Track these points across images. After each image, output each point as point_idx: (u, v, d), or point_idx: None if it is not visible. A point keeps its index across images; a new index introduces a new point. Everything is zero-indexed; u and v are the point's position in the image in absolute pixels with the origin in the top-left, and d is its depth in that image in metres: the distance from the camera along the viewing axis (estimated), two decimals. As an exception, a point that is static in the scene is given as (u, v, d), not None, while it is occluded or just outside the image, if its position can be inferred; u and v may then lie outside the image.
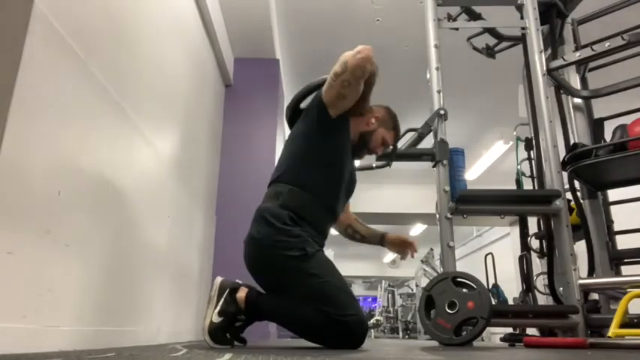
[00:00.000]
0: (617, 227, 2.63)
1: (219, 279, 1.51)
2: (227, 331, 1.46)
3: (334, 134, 1.71)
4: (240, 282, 1.60)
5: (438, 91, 2.34)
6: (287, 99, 5.04)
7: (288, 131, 1.93)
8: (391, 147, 2.00)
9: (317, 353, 1.22)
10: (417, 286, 10.09)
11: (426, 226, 9.16)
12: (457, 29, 2.54)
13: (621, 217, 2.71)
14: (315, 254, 1.55)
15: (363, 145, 1.88)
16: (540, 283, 2.94)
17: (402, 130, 2.35)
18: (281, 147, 4.30)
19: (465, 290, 2.28)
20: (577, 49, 2.58)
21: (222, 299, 1.46)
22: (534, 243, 2.80)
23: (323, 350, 1.44)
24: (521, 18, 2.51)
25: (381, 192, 7.77)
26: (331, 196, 1.76)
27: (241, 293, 1.48)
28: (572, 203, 2.38)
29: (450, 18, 2.53)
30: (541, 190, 2.43)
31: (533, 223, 2.89)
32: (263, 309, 1.49)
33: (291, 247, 1.53)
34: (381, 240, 2.09)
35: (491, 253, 4.53)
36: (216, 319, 1.43)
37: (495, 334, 7.67)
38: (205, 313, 1.46)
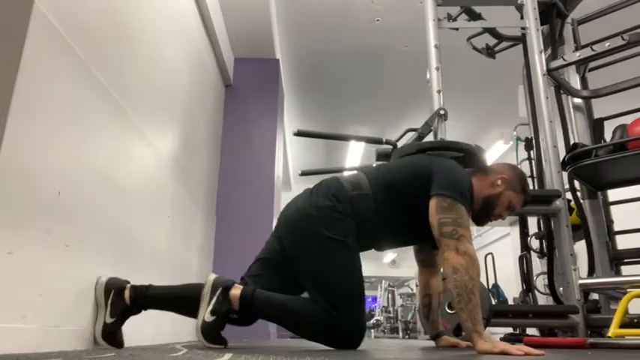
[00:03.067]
0: (617, 227, 2.63)
1: (212, 276, 1.48)
2: (221, 329, 1.44)
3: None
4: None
5: (438, 91, 2.34)
6: (287, 99, 5.07)
7: (288, 130, 1.91)
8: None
9: (317, 353, 1.22)
10: (417, 286, 10.07)
11: (426, 226, 9.13)
12: (457, 29, 2.54)
13: (621, 217, 2.71)
14: (354, 249, 1.52)
15: (487, 211, 1.66)
16: (540, 283, 2.95)
17: (402, 130, 2.36)
18: (281, 147, 4.33)
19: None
20: (577, 49, 2.58)
21: (215, 298, 1.43)
22: (534, 243, 2.81)
23: (323, 350, 1.44)
24: (521, 18, 2.51)
25: (381, 192, 7.76)
26: (384, 240, 1.70)
27: (235, 291, 1.45)
28: (572, 203, 2.38)
29: (450, 18, 2.54)
30: (541, 190, 2.43)
31: (533, 223, 2.89)
32: (257, 307, 1.45)
33: (337, 228, 1.49)
34: (435, 336, 1.95)
35: (491, 253, 4.53)
36: (208, 318, 1.41)
37: (495, 334, 7.66)
38: (198, 312, 1.44)
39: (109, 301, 1.43)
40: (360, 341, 1.50)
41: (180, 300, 1.50)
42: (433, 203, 1.48)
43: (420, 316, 1.99)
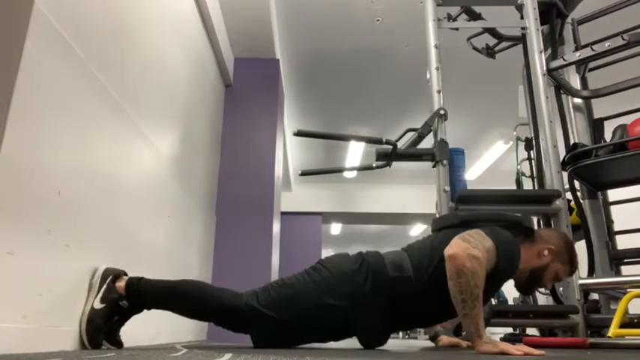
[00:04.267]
0: (617, 227, 2.63)
1: (102, 267, 1.47)
2: (107, 321, 1.37)
3: None
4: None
5: (438, 91, 2.34)
6: (287, 99, 5.07)
7: (288, 130, 1.90)
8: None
9: (317, 353, 1.22)
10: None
11: (426, 226, 9.15)
12: (457, 29, 2.54)
13: (621, 217, 2.71)
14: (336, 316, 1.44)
15: (534, 283, 1.61)
16: (540, 283, 2.93)
17: (402, 130, 2.35)
18: (281, 147, 4.33)
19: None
20: (577, 49, 2.58)
21: (105, 286, 1.39)
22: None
23: (323, 350, 1.44)
24: (521, 18, 2.51)
25: (381, 192, 7.77)
26: (422, 319, 1.65)
27: (121, 282, 1.42)
28: (572, 203, 2.38)
29: (450, 18, 2.53)
30: (541, 190, 2.43)
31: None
32: (142, 291, 1.41)
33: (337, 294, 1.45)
34: (433, 336, 1.95)
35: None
36: (97, 305, 1.35)
37: (495, 334, 7.66)
38: (86, 300, 1.37)
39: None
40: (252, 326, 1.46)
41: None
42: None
43: None
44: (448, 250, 1.37)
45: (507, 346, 1.25)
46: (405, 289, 1.47)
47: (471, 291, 1.31)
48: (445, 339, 1.90)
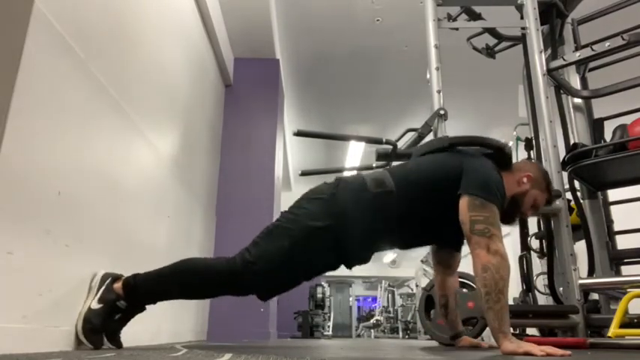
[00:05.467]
0: (617, 227, 2.63)
1: (102, 271, 1.47)
2: (105, 322, 1.37)
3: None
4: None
5: (438, 91, 2.34)
6: (287, 99, 5.07)
7: (288, 130, 1.90)
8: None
9: (317, 353, 1.22)
10: (417, 286, 10.10)
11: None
12: (457, 29, 2.54)
13: (621, 217, 2.71)
14: (324, 240, 1.46)
15: (514, 210, 1.66)
16: (540, 283, 2.94)
17: (402, 130, 2.35)
18: (281, 147, 4.33)
19: (464, 290, 2.29)
20: (577, 49, 2.58)
21: (104, 287, 1.40)
22: (534, 243, 2.80)
23: (323, 351, 1.44)
24: (521, 18, 2.51)
25: (381, 192, 7.76)
26: (408, 238, 1.66)
27: (119, 283, 1.42)
28: (572, 203, 2.38)
29: (450, 18, 2.53)
30: (541, 190, 2.42)
31: (533, 223, 2.88)
32: (139, 284, 1.41)
33: (321, 215, 1.46)
34: (454, 336, 1.94)
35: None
36: (95, 305, 1.36)
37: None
38: (84, 302, 1.38)
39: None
40: (259, 289, 1.48)
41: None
42: (464, 201, 1.45)
43: (439, 296, 1.96)
44: (472, 251, 1.41)
45: (532, 347, 1.25)
46: (387, 202, 1.49)
47: (496, 283, 1.33)
48: (466, 339, 1.90)
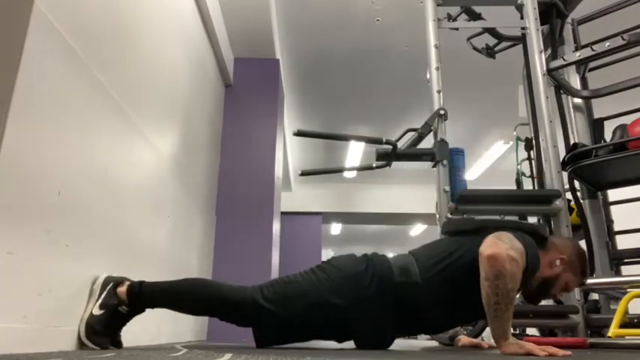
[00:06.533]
0: (617, 227, 2.63)
1: (104, 274, 1.46)
2: (108, 326, 1.37)
3: None
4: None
5: (438, 91, 2.34)
6: (287, 99, 5.07)
7: (288, 130, 1.89)
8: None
9: (317, 353, 1.22)
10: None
11: (426, 226, 9.15)
12: (457, 29, 2.54)
13: (621, 217, 2.71)
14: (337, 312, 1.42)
15: (543, 292, 1.58)
16: (540, 283, 2.93)
17: (402, 130, 2.35)
18: (281, 146, 4.33)
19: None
20: (577, 49, 2.58)
21: (105, 292, 1.39)
22: (534, 243, 2.80)
23: (323, 350, 1.44)
24: (521, 18, 2.51)
25: (381, 192, 7.77)
26: (433, 324, 1.59)
27: (122, 288, 1.42)
28: (572, 203, 2.38)
29: (450, 18, 2.53)
30: (541, 190, 2.43)
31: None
32: (144, 294, 1.41)
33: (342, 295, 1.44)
34: (453, 336, 1.93)
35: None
36: (96, 311, 1.36)
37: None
38: (85, 307, 1.37)
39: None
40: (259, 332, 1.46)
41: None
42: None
43: None
44: (486, 250, 1.31)
45: (533, 347, 1.24)
46: (411, 294, 1.45)
47: (508, 294, 1.28)
48: (465, 339, 1.89)
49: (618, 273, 2.48)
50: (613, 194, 2.70)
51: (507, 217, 1.99)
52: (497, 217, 1.64)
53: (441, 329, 1.75)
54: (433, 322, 1.57)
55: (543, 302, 2.83)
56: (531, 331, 2.81)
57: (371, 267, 1.48)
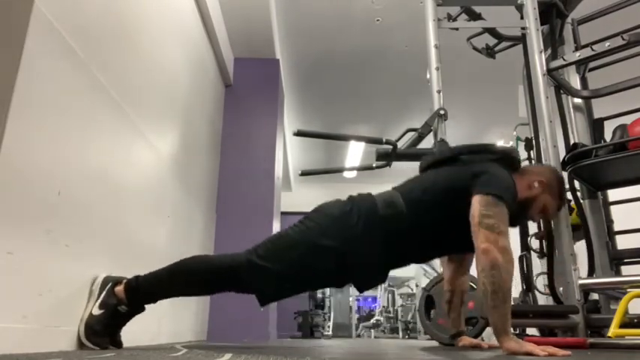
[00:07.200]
0: (617, 227, 2.63)
1: (102, 275, 1.46)
2: (108, 326, 1.38)
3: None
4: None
5: (438, 91, 2.34)
6: (287, 99, 5.07)
7: (288, 130, 1.90)
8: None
9: (317, 353, 1.22)
10: (417, 286, 10.09)
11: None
12: (457, 29, 2.54)
13: (621, 217, 2.71)
14: (332, 256, 1.44)
15: (521, 214, 1.64)
16: (540, 283, 2.94)
17: (402, 130, 2.35)
18: (281, 146, 4.33)
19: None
20: (577, 49, 2.57)
21: (105, 292, 1.40)
22: (534, 243, 2.80)
23: (323, 351, 1.44)
24: (521, 18, 2.51)
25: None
26: (420, 253, 1.65)
27: (120, 287, 1.42)
28: (572, 203, 2.38)
29: (450, 18, 2.53)
30: (541, 190, 2.42)
31: (533, 223, 2.88)
32: (141, 285, 1.41)
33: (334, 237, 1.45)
34: (455, 335, 1.94)
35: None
36: (96, 311, 1.36)
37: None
38: (85, 307, 1.38)
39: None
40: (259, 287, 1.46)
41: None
42: (476, 198, 1.43)
43: (446, 291, 1.95)
44: (481, 245, 1.36)
45: (533, 347, 1.25)
46: (398, 224, 1.49)
47: (504, 282, 1.32)
48: (466, 339, 1.90)
49: (618, 273, 2.47)
50: (613, 194, 2.70)
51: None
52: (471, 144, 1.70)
53: (425, 258, 1.76)
54: (417, 251, 1.60)
55: (543, 302, 2.84)
56: (531, 331, 2.81)
57: (356, 206, 1.51)
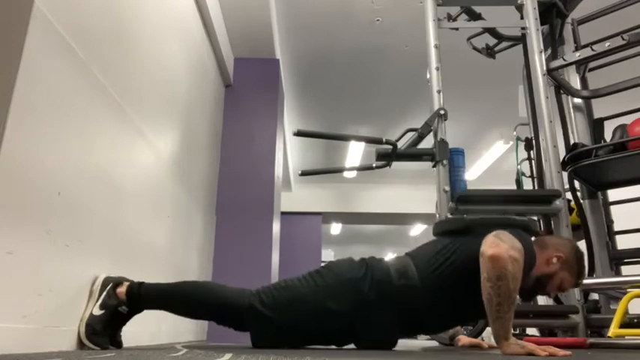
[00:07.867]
0: (617, 227, 2.63)
1: (103, 275, 1.46)
2: (108, 327, 1.38)
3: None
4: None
5: (438, 91, 2.34)
6: (287, 99, 5.07)
7: (288, 130, 1.89)
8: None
9: (317, 353, 1.22)
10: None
11: (426, 226, 9.15)
12: (457, 29, 2.54)
13: (621, 217, 2.71)
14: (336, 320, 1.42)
15: (537, 289, 1.57)
16: (540, 283, 2.94)
17: (402, 130, 2.35)
18: (281, 147, 4.33)
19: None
20: (577, 49, 2.58)
21: (105, 292, 1.40)
22: (534, 243, 2.80)
23: (323, 350, 1.44)
24: (521, 18, 2.51)
25: (381, 192, 7.77)
26: (433, 325, 1.60)
27: (122, 288, 1.42)
28: (572, 203, 2.38)
29: (450, 18, 2.53)
30: (541, 190, 2.43)
31: (533, 223, 2.88)
32: (143, 295, 1.42)
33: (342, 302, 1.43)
34: (452, 336, 1.92)
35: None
36: (97, 311, 1.36)
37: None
38: (85, 307, 1.38)
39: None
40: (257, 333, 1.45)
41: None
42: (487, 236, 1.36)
43: None
44: (488, 251, 1.30)
45: (534, 347, 1.24)
46: (410, 296, 1.45)
47: (510, 295, 1.27)
48: (465, 339, 1.89)
49: (618, 273, 2.48)
50: (613, 194, 2.70)
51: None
52: (487, 217, 1.63)
53: (441, 329, 1.75)
54: (433, 323, 1.58)
55: (543, 302, 2.84)
56: (531, 331, 2.81)
57: (370, 272, 1.47)
